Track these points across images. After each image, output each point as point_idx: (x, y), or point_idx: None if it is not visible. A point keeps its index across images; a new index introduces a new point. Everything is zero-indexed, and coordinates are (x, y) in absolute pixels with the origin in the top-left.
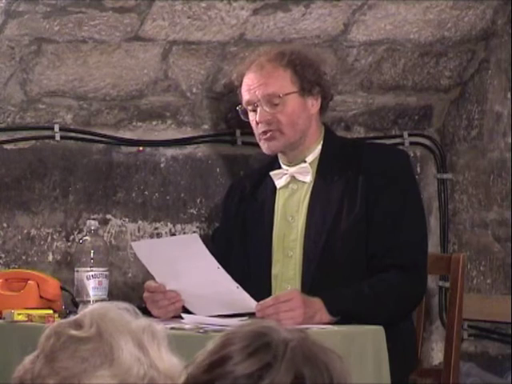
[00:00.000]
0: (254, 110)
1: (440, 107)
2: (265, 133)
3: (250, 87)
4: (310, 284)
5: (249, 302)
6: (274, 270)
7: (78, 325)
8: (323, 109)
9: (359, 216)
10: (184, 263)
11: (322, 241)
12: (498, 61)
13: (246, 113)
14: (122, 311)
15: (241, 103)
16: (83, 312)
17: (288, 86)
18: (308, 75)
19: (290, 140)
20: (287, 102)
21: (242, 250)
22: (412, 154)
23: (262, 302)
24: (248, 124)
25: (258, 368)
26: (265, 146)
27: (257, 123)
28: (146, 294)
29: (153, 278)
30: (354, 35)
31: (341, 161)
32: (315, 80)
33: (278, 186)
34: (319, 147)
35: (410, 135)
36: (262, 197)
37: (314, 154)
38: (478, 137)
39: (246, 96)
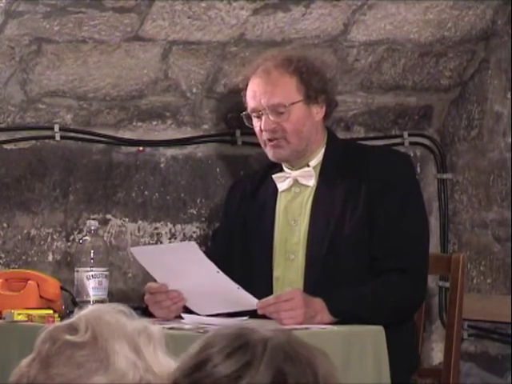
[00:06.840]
0: (259, 117)
1: (440, 107)
2: (270, 140)
3: (255, 94)
4: (314, 288)
5: (250, 301)
6: (276, 273)
7: (74, 329)
8: (327, 115)
9: (362, 220)
10: (184, 268)
11: (325, 245)
12: (497, 61)
13: (250, 118)
14: (117, 314)
15: (245, 107)
16: (79, 315)
17: (293, 95)
18: (314, 83)
19: (295, 148)
20: (292, 110)
21: (243, 250)
22: (412, 154)
23: (263, 300)
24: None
25: (237, 368)
26: (270, 153)
27: (261, 130)
28: (147, 296)
29: (153, 280)
30: (354, 35)
31: (343, 164)
32: (321, 88)
33: (280, 189)
34: (322, 151)
35: (409, 135)
36: (263, 198)
37: (317, 159)
38: (477, 137)
39: (251, 103)
